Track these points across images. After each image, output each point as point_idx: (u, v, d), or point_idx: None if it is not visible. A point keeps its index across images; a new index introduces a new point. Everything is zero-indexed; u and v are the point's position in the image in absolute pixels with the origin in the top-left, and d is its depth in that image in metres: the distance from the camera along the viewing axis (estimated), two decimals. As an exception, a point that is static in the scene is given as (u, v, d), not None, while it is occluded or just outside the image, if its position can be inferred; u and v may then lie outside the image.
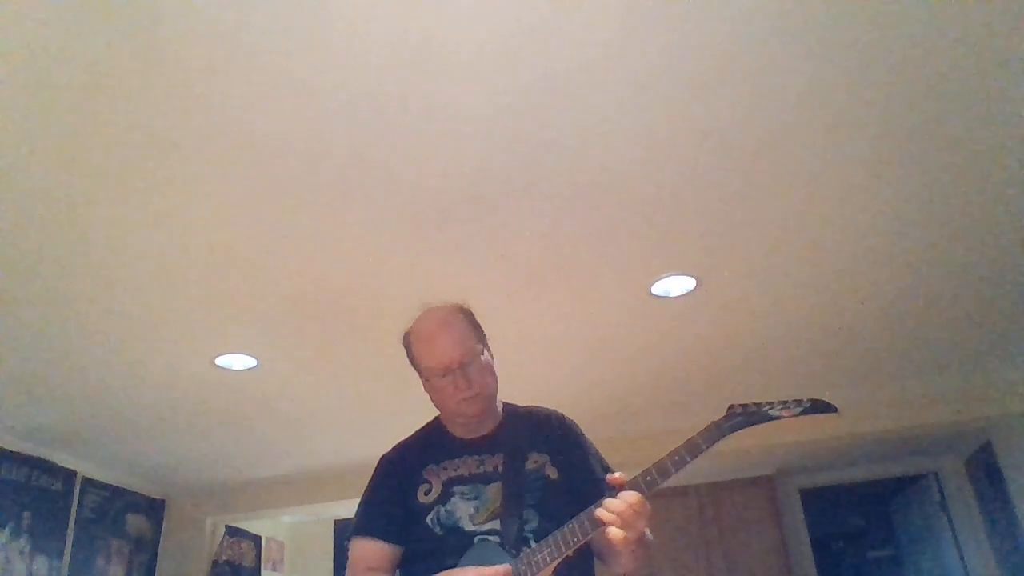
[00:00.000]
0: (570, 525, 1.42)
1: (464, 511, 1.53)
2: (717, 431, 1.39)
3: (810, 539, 5.50)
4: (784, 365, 3.83)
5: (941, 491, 5.44)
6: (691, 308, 3.15)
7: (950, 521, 5.33)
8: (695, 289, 2.99)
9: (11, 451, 3.91)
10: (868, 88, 1.99)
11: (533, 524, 1.51)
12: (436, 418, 1.70)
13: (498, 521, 1.50)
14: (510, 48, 1.79)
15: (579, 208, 2.43)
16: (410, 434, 1.72)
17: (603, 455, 1.69)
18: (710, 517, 5.23)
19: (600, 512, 1.36)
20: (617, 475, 1.41)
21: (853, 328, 3.45)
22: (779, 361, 3.78)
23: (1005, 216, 2.62)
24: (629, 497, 1.35)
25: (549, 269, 2.80)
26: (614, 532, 1.33)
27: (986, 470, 4.90)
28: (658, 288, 2.97)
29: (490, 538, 1.49)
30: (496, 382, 1.60)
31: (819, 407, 1.40)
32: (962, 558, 5.21)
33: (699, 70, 1.89)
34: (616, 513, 1.34)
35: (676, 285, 2.96)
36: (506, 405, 1.68)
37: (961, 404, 4.41)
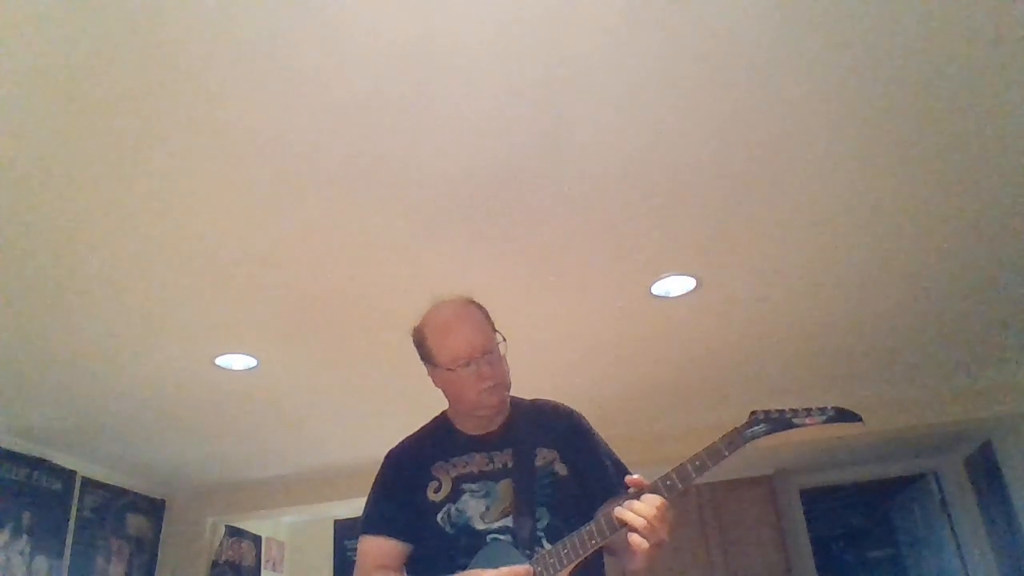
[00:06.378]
0: (588, 527, 1.40)
1: (475, 509, 1.51)
2: (740, 438, 1.37)
3: (810, 539, 5.50)
4: (784, 365, 3.82)
5: (941, 491, 5.44)
6: (691, 308, 3.15)
7: (950, 521, 5.33)
8: (695, 289, 2.99)
9: (11, 451, 3.91)
10: (869, 87, 1.98)
11: (545, 522, 1.50)
12: (443, 413, 1.68)
13: (510, 519, 1.49)
14: (511, 48, 1.79)
15: (579, 208, 2.43)
16: (415, 430, 1.70)
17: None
18: (710, 517, 5.23)
19: (629, 516, 1.32)
20: (636, 477, 1.39)
21: (852, 329, 3.45)
22: (779, 361, 3.77)
23: (1006, 216, 2.62)
24: (654, 500, 1.33)
25: (549, 269, 2.80)
26: (637, 539, 1.30)
27: (986, 470, 4.90)
28: (658, 288, 2.97)
29: (502, 537, 1.48)
30: (510, 373, 1.58)
31: (843, 416, 1.38)
32: (962, 558, 5.21)
33: (700, 70, 1.89)
34: (643, 516, 1.31)
35: (676, 285, 2.96)
36: (512, 399, 1.65)
37: (961, 404, 4.41)
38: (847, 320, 3.36)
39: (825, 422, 1.38)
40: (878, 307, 3.25)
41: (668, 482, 1.36)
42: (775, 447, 4.48)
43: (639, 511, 1.32)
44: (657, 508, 1.32)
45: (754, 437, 1.38)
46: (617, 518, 1.34)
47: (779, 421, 1.39)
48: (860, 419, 1.37)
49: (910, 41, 1.84)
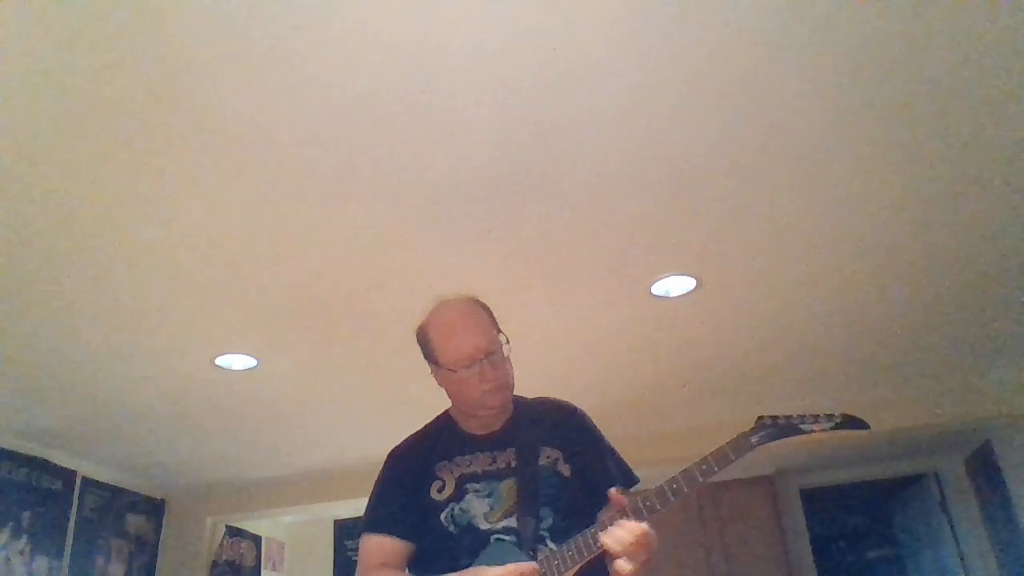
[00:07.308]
0: (593, 530, 1.40)
1: (479, 509, 1.51)
2: (747, 443, 1.38)
3: (810, 539, 5.50)
4: (784, 365, 3.82)
5: (941, 491, 5.44)
6: (691, 308, 3.15)
7: (950, 521, 5.33)
8: (695, 289, 2.99)
9: (11, 451, 3.91)
10: (869, 88, 1.98)
11: (548, 522, 1.49)
12: (445, 413, 1.68)
13: (513, 519, 1.48)
14: (510, 48, 1.79)
15: (579, 208, 2.43)
16: (416, 429, 1.70)
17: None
18: (710, 517, 5.22)
19: (607, 542, 1.33)
20: (616, 493, 1.39)
21: (853, 328, 3.45)
22: (779, 361, 3.77)
23: (1006, 216, 2.62)
24: (634, 528, 1.33)
25: (549, 269, 2.80)
26: (620, 564, 1.31)
27: (986, 470, 4.90)
28: (658, 288, 2.97)
29: (506, 537, 1.47)
30: (513, 373, 1.58)
31: (851, 423, 1.39)
32: (962, 558, 5.21)
33: (699, 70, 1.89)
34: (620, 544, 1.32)
35: (676, 285, 2.96)
36: (515, 398, 1.64)
37: (961, 404, 4.41)
38: (847, 320, 3.36)
39: (832, 428, 1.38)
40: (878, 307, 3.25)
41: (675, 486, 1.37)
42: (775, 446, 4.47)
43: (618, 539, 1.32)
44: (636, 536, 1.32)
45: (761, 442, 1.39)
46: (600, 544, 1.35)
47: (786, 427, 1.39)
48: (867, 426, 1.38)
49: (911, 42, 1.84)
